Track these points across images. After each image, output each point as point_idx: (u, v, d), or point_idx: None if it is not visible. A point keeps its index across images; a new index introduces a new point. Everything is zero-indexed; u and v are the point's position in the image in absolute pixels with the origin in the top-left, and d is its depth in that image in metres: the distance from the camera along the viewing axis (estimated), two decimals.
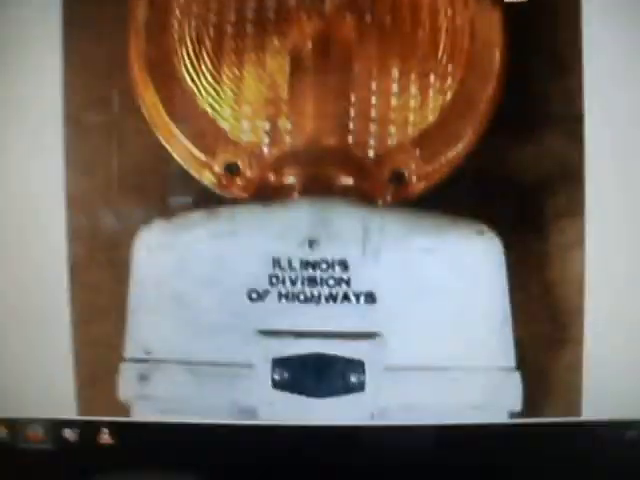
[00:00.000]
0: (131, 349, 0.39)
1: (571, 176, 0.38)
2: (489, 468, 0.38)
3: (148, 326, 0.39)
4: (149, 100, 0.40)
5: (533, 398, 0.39)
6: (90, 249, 0.40)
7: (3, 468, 0.40)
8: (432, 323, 0.38)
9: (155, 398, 0.39)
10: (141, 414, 0.39)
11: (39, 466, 0.40)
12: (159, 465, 0.39)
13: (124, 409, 0.39)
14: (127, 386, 0.39)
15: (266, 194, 0.40)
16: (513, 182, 0.39)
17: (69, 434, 0.39)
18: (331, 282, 0.38)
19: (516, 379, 0.38)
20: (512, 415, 0.38)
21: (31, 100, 0.39)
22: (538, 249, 0.39)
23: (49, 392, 0.40)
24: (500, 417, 0.38)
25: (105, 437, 0.39)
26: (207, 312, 0.39)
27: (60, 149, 0.39)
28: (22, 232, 0.39)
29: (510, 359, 0.39)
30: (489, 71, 0.39)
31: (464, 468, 0.38)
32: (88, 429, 0.39)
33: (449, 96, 0.40)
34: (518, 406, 0.38)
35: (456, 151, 0.40)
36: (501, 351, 0.39)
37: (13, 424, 0.39)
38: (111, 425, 0.39)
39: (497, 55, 0.39)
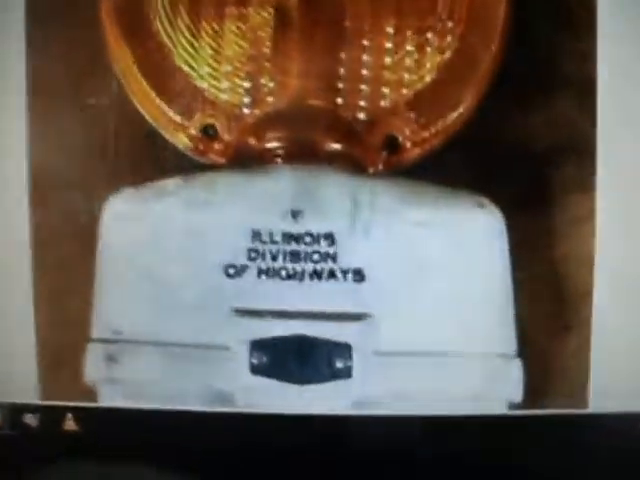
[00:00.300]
0: (98, 329, 0.38)
1: (581, 147, 0.38)
2: (485, 462, 0.37)
3: (117, 304, 0.38)
4: (121, 57, 0.39)
5: (535, 388, 0.38)
6: (54, 221, 0.39)
7: None
8: (426, 304, 0.37)
9: (124, 382, 0.38)
10: (109, 399, 0.38)
11: None
12: (127, 453, 0.38)
13: (90, 393, 0.37)
14: (94, 368, 0.38)
15: (246, 160, 0.40)
16: (517, 152, 0.39)
17: (30, 420, 0.38)
18: (316, 257, 0.37)
19: (517, 367, 0.37)
20: (512, 406, 0.37)
21: None
22: (543, 225, 0.38)
23: (9, 375, 0.39)
24: (499, 408, 0.37)
25: (70, 423, 0.38)
26: (180, 289, 0.37)
27: (23, 112, 0.38)
28: None
29: (511, 345, 0.37)
30: (492, 28, 0.39)
31: (458, 462, 0.37)
32: (51, 415, 0.38)
33: (448, 55, 0.39)
34: (518, 396, 0.36)
35: (455, 115, 0.39)
36: (501, 336, 0.38)
37: None
38: (76, 410, 0.38)
39: (501, 10, 0.39)
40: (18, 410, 0.39)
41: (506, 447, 0.38)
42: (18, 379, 0.39)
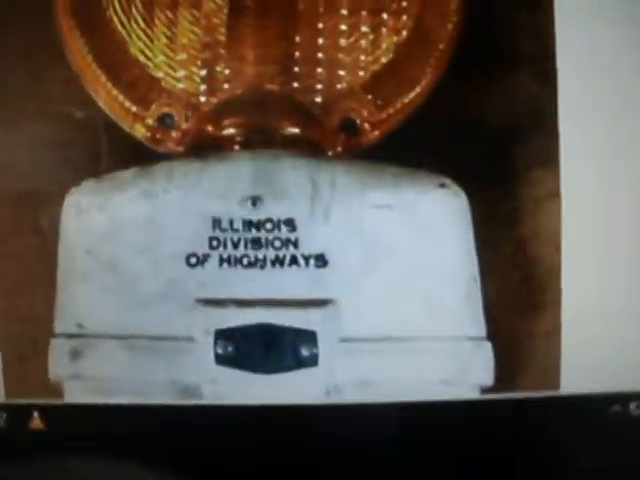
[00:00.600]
0: (62, 323, 0.38)
1: (543, 122, 0.38)
2: (457, 449, 0.36)
3: (79, 297, 0.38)
4: (75, 47, 0.40)
5: (506, 371, 0.37)
6: (14, 214, 0.38)
7: None
8: (391, 288, 0.37)
9: (89, 377, 0.37)
10: (74, 395, 0.37)
11: None
12: (95, 450, 0.36)
13: (56, 390, 0.37)
14: (58, 364, 0.37)
15: (204, 148, 0.40)
16: (478, 130, 0.39)
17: None
18: (277, 244, 0.37)
19: (487, 350, 0.37)
20: (483, 390, 0.36)
21: None
22: (508, 203, 0.38)
23: None
24: (470, 392, 0.36)
25: (36, 422, 0.37)
26: (142, 280, 0.37)
27: None
28: None
29: (480, 327, 0.37)
30: (448, 6, 0.41)
31: (430, 450, 0.36)
32: (17, 413, 0.37)
33: (404, 35, 0.41)
34: (490, 380, 0.36)
35: (413, 95, 0.41)
36: (469, 319, 0.37)
37: None
38: (42, 408, 0.37)
39: None
40: None
41: (478, 431, 0.37)
42: None
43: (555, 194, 0.37)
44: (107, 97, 0.39)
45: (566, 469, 0.37)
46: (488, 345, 0.37)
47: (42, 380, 0.38)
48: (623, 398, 0.38)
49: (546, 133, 0.37)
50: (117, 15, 0.38)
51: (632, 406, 0.37)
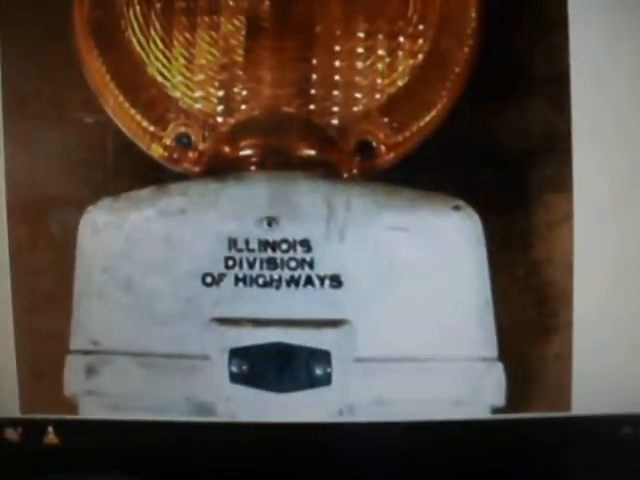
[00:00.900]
0: (77, 340, 0.39)
1: (557, 146, 0.38)
2: (469, 469, 0.36)
3: (95, 315, 0.39)
4: (94, 68, 0.39)
5: (518, 392, 0.38)
6: (32, 231, 0.39)
7: None
8: (405, 309, 0.37)
9: (104, 394, 0.39)
10: (89, 411, 0.38)
11: None
12: (109, 466, 0.38)
13: (71, 406, 0.38)
14: (73, 380, 0.38)
15: (221, 168, 0.40)
16: (493, 153, 0.38)
17: (11, 434, 0.38)
18: (293, 264, 0.37)
19: (499, 370, 0.37)
20: (494, 410, 0.37)
21: None
22: (521, 226, 0.38)
23: None
24: (482, 413, 0.37)
25: (50, 437, 0.38)
26: (158, 299, 0.38)
27: None
28: None
29: (492, 348, 0.38)
30: (464, 30, 0.39)
31: (442, 469, 0.36)
32: (32, 428, 0.38)
33: (420, 58, 0.39)
34: (501, 400, 0.37)
35: (429, 119, 0.39)
36: (482, 340, 0.38)
37: None
38: (57, 423, 0.38)
39: (473, 13, 0.39)
40: None
41: (490, 451, 0.37)
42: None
43: (568, 218, 0.36)
44: (125, 116, 0.39)
45: None
46: (500, 366, 0.38)
47: (57, 396, 0.39)
48: (634, 419, 0.37)
49: (559, 158, 0.37)
50: (136, 36, 0.38)
51: None
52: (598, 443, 0.37)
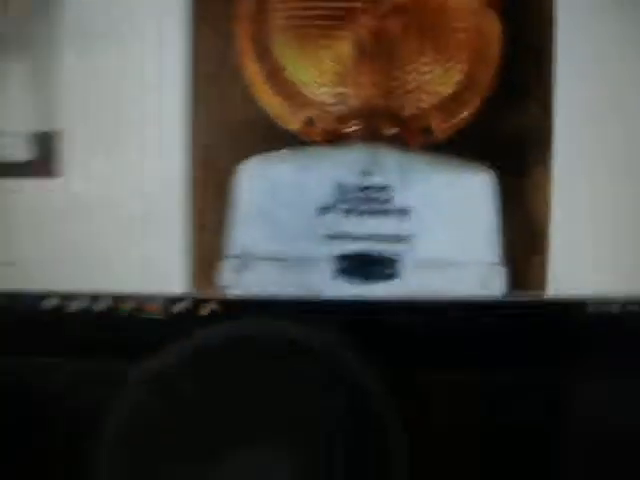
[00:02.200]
0: (231, 249, 0.46)
1: (542, 136, 0.47)
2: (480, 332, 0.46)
3: (244, 234, 0.46)
4: (253, 71, 0.47)
5: (511, 287, 0.47)
6: (206, 175, 0.47)
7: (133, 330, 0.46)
8: (446, 231, 0.46)
9: (247, 285, 0.46)
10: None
11: (152, 333, 0.46)
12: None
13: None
14: (227, 275, 0.46)
15: (334, 139, 0.47)
16: (504, 137, 0.47)
17: (179, 307, 0.46)
18: (379, 201, 0.46)
19: (501, 273, 0.46)
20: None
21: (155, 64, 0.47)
22: (519, 185, 0.47)
23: (164, 277, 0.47)
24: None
25: (211, 306, 0.46)
26: (289, 223, 0.46)
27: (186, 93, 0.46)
28: (143, 155, 0.47)
29: (497, 257, 0.46)
30: (491, 60, 0.47)
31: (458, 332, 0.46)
32: (195, 302, 0.46)
33: (462, 76, 0.47)
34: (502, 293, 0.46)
35: (467, 113, 0.47)
36: (491, 251, 0.46)
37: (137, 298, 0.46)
38: (213, 300, 0.47)
39: (497, 49, 0.47)
40: (171, 301, 0.46)
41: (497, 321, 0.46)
42: (172, 281, 0.47)
43: (549, 182, 0.45)
44: (272, 104, 0.47)
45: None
46: (502, 269, 0.46)
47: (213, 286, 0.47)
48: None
49: (544, 143, 0.46)
50: (280, 50, 0.47)
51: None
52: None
